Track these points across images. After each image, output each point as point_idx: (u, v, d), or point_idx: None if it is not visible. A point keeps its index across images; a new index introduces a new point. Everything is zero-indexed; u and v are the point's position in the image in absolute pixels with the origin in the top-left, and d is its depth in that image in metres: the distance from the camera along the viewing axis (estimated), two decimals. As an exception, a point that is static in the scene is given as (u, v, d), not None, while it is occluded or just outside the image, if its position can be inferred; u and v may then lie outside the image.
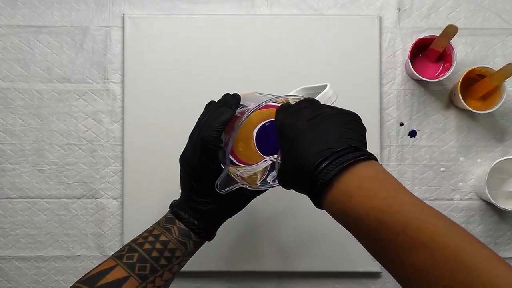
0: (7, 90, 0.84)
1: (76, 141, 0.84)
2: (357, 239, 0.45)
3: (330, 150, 0.46)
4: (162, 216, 0.61)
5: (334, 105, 0.54)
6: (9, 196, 0.84)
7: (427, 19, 0.85)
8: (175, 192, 0.62)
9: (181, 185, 0.61)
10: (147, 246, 0.57)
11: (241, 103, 0.57)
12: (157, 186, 0.81)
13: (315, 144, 0.47)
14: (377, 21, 0.84)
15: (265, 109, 0.57)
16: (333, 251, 0.82)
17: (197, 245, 0.61)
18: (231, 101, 0.57)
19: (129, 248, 0.58)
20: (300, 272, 0.83)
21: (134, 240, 0.59)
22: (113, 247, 0.83)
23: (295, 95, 0.57)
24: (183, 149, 0.60)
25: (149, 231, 0.60)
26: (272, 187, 0.58)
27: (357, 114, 0.51)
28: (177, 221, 0.59)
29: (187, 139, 0.59)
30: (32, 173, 0.84)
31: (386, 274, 0.84)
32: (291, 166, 0.48)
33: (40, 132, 0.84)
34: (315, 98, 0.56)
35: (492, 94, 0.80)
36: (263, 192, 0.61)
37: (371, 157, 0.46)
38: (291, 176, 0.49)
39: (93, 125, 0.84)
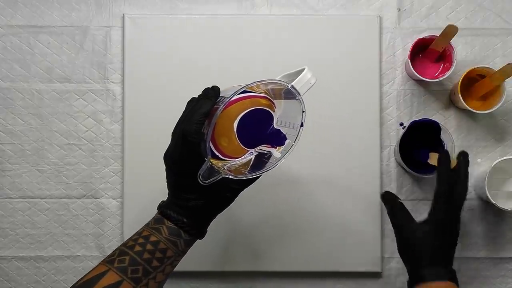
0: (7, 90, 0.84)
1: (76, 141, 0.84)
2: None
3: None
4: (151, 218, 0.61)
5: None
6: (9, 196, 0.84)
7: (427, 19, 0.85)
8: (175, 192, 0.62)
9: (167, 185, 0.61)
10: (137, 248, 0.57)
11: (221, 95, 0.57)
12: (157, 186, 0.80)
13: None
14: (377, 21, 0.84)
15: (245, 100, 0.57)
16: (333, 251, 0.82)
17: (188, 244, 0.60)
18: (210, 94, 0.57)
19: (120, 251, 0.57)
20: (300, 272, 0.83)
21: (124, 244, 0.58)
22: (113, 247, 0.83)
23: (274, 80, 0.57)
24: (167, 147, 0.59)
25: (138, 233, 0.59)
26: (256, 177, 0.58)
27: None
28: (165, 221, 0.58)
29: (172, 132, 0.59)
30: (32, 173, 0.84)
31: (386, 274, 0.84)
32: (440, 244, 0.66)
33: (40, 132, 0.84)
34: (294, 83, 0.56)
35: (492, 94, 0.80)
36: (251, 183, 0.60)
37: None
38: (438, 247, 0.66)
39: (93, 125, 0.84)
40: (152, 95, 0.83)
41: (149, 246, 0.57)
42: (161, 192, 0.80)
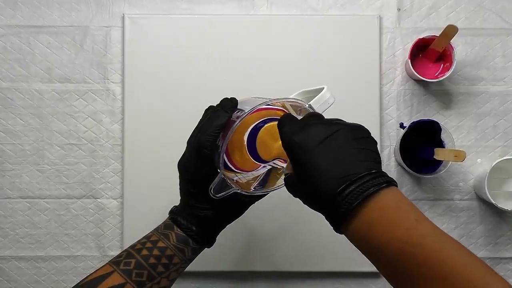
0: (7, 90, 0.84)
1: (76, 141, 0.84)
2: (377, 268, 0.45)
3: (351, 176, 0.44)
4: (161, 222, 0.61)
5: (331, 108, 0.54)
6: (9, 196, 0.84)
7: (427, 19, 0.85)
8: (175, 193, 0.62)
9: (179, 191, 0.61)
10: (144, 252, 0.57)
11: (238, 107, 0.57)
12: (157, 186, 0.81)
13: (333, 169, 0.45)
14: (377, 21, 0.84)
15: (262, 111, 0.57)
16: (333, 251, 0.82)
17: (196, 252, 0.60)
18: (227, 105, 0.57)
19: (127, 254, 0.57)
20: (300, 272, 0.83)
21: (132, 246, 0.58)
22: (113, 247, 0.83)
23: (292, 98, 0.57)
24: (182, 154, 0.60)
25: (147, 237, 0.59)
26: (266, 193, 0.58)
27: (366, 129, 0.50)
28: (175, 227, 0.59)
29: (187, 139, 0.59)
30: (32, 173, 0.84)
31: (386, 274, 0.84)
32: (308, 188, 0.47)
33: (40, 132, 0.84)
34: (311, 102, 0.56)
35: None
36: (262, 197, 0.60)
37: (392, 183, 0.45)
38: (307, 196, 0.49)
39: (93, 125, 0.84)
40: (152, 95, 0.83)
41: (155, 252, 0.57)
42: (161, 192, 0.80)
